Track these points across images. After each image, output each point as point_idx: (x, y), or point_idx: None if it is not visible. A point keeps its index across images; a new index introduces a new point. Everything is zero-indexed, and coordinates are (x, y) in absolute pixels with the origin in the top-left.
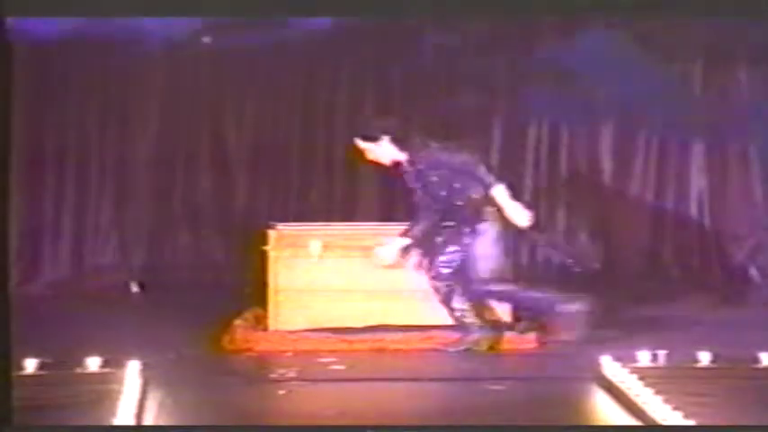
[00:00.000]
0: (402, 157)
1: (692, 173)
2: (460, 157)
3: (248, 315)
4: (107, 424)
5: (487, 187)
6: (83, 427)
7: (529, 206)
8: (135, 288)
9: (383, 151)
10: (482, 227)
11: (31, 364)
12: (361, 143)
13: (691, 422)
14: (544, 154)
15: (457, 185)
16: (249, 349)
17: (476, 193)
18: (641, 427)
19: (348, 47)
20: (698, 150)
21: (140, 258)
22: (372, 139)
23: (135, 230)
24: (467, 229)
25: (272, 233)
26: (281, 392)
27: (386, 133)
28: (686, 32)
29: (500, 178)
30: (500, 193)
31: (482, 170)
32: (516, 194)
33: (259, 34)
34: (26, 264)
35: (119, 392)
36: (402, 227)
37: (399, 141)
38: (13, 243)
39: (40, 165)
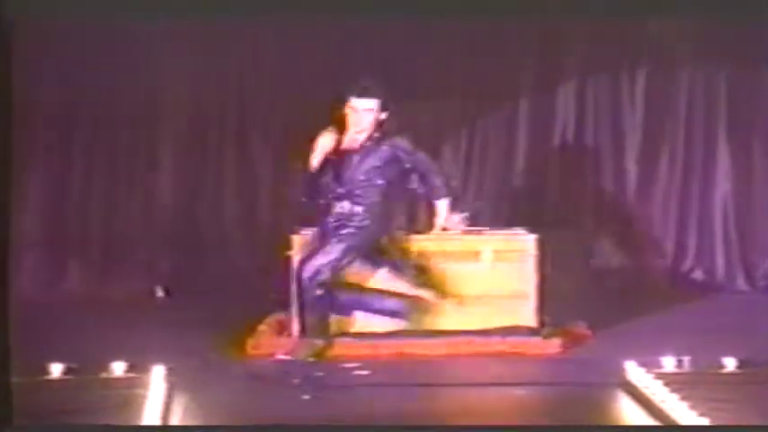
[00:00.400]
0: (368, 131)
1: (718, 178)
2: (428, 160)
3: (272, 320)
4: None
5: (435, 195)
6: (81, 426)
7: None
8: (160, 293)
9: (369, 119)
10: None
11: (57, 369)
12: (366, 103)
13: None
14: (569, 157)
15: (380, 182)
16: (273, 354)
17: (378, 197)
18: (652, 428)
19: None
20: (723, 156)
21: (166, 264)
22: (383, 106)
23: (160, 236)
24: (345, 229)
25: (296, 238)
26: (306, 397)
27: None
28: (710, 36)
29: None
30: (443, 205)
31: (439, 180)
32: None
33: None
34: (53, 270)
35: (144, 397)
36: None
37: (387, 121)
38: (41, 249)
39: (67, 171)
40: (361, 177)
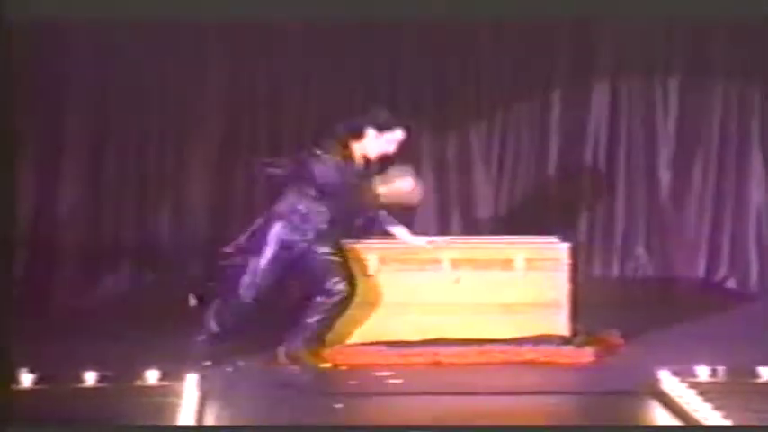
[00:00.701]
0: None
1: (751, 186)
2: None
3: None
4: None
5: (384, 223)
6: (83, 426)
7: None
8: (193, 301)
9: (378, 146)
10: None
11: (91, 377)
12: (378, 132)
13: None
14: (601, 165)
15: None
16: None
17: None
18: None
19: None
20: (757, 164)
21: (198, 271)
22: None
23: (193, 243)
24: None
25: None
26: (338, 406)
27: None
28: (744, 40)
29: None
30: (401, 233)
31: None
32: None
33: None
34: (86, 278)
35: (177, 405)
36: (458, 242)
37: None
38: (75, 257)
39: (100, 180)
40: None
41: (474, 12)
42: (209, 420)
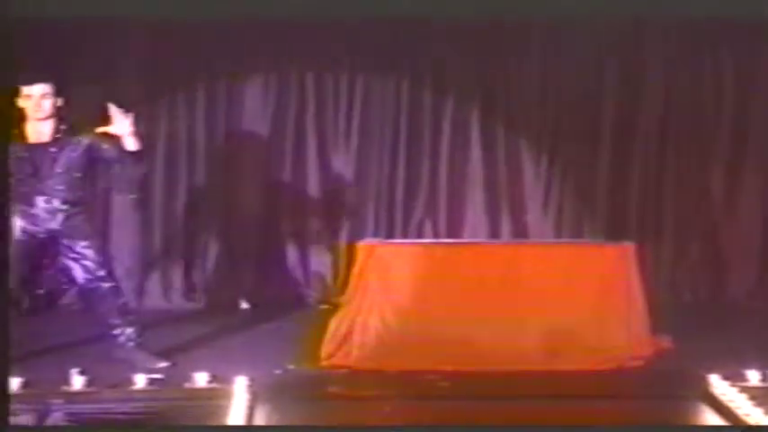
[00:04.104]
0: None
1: None
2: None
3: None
4: None
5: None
6: (82, 426)
7: None
8: (244, 305)
9: (47, 105)
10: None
11: (141, 379)
12: (39, 88)
13: None
14: (652, 173)
15: (79, 174)
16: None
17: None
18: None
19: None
20: None
21: (249, 275)
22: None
23: (243, 248)
24: None
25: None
26: (386, 410)
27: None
28: None
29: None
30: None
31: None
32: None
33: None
34: (136, 281)
35: (227, 408)
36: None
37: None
38: (126, 262)
39: (151, 187)
40: (60, 170)
41: (532, 10)
42: (259, 423)
